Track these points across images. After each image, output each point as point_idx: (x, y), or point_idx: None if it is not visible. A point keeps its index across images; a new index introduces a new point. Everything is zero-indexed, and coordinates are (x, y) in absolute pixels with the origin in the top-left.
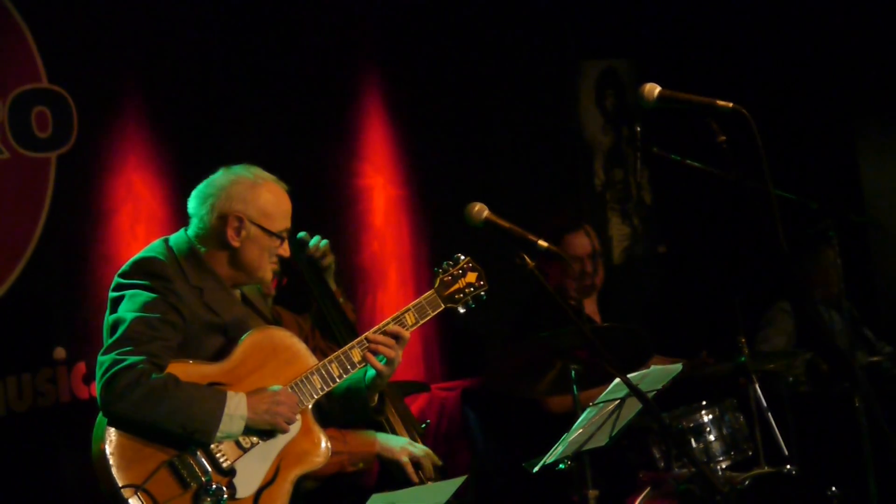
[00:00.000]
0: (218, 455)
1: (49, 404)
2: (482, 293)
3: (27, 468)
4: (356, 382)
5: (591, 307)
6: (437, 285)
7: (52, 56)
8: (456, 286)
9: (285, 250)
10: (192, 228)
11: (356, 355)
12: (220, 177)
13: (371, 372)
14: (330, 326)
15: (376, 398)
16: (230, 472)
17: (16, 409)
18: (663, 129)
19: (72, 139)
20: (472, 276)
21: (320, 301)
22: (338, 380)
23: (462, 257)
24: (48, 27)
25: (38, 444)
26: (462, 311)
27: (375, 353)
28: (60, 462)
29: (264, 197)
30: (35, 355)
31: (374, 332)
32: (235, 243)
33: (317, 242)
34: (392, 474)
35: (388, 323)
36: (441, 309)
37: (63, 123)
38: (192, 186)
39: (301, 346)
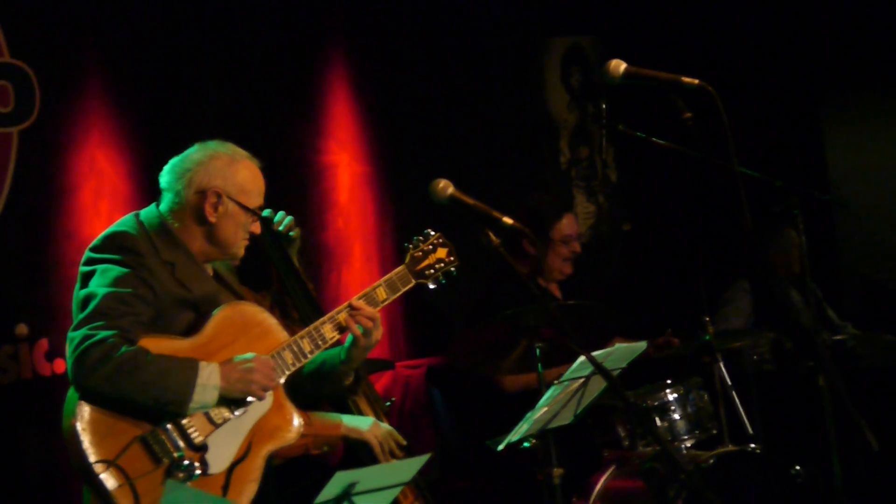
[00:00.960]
0: (190, 430)
1: (11, 381)
2: (452, 269)
3: None
4: (331, 359)
5: (553, 290)
6: (407, 261)
7: (14, 30)
8: (426, 262)
9: (257, 227)
10: (165, 203)
11: (328, 332)
12: (196, 152)
13: (347, 345)
14: (293, 304)
15: (351, 377)
16: (202, 448)
17: None
18: (629, 107)
19: (34, 114)
20: (442, 252)
21: (285, 278)
22: (309, 355)
23: (432, 233)
24: (9, 1)
25: None
26: (432, 286)
27: (358, 323)
28: (22, 439)
29: (242, 173)
30: None
31: (356, 300)
32: (212, 219)
33: (281, 218)
34: (358, 455)
35: (362, 296)
36: (412, 285)
37: (25, 98)
38: (156, 162)
39: (272, 322)
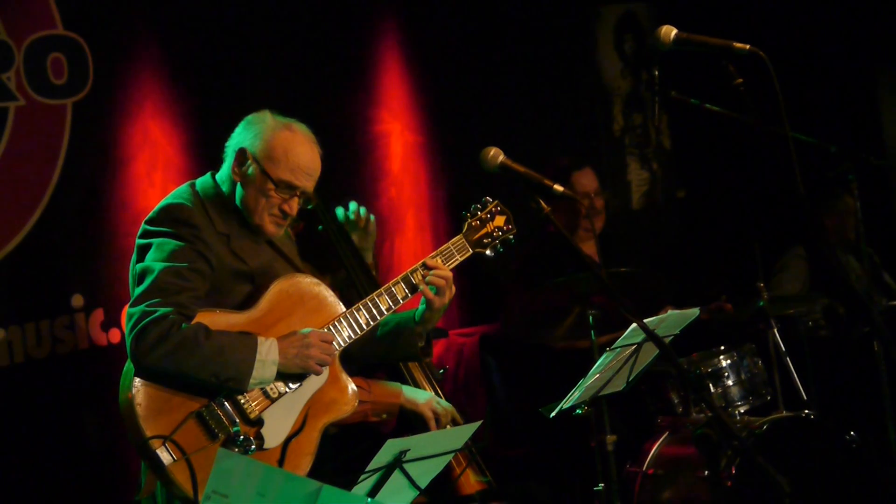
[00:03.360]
0: (245, 405)
1: (67, 351)
2: (511, 237)
3: (47, 415)
4: (406, 321)
5: (590, 250)
6: (465, 230)
7: (67, 2)
8: (484, 230)
9: (291, 207)
10: (222, 169)
11: (384, 303)
12: (254, 116)
13: (422, 307)
14: (355, 289)
15: (424, 339)
16: (258, 423)
17: (35, 356)
18: (682, 73)
19: (87, 86)
20: (500, 220)
21: (349, 269)
22: (365, 327)
23: (490, 200)
24: None
25: (57, 390)
26: (490, 254)
27: (430, 283)
28: (79, 408)
29: (277, 141)
30: (53, 302)
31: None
32: (236, 177)
33: (356, 209)
34: (412, 426)
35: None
36: (469, 254)
37: (78, 70)
38: (209, 132)
39: (328, 294)
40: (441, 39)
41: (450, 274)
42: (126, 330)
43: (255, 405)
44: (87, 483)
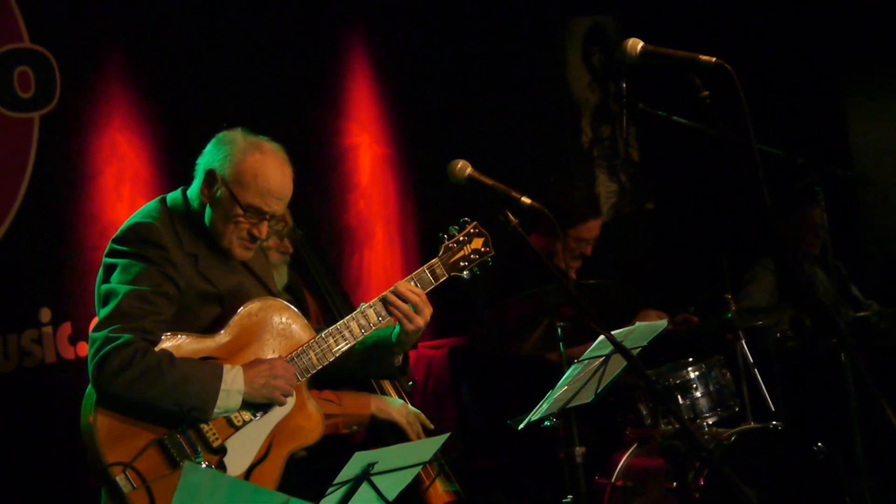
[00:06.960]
0: (208, 433)
1: (35, 365)
2: (489, 259)
3: (14, 429)
4: (384, 340)
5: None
6: (441, 252)
7: (34, 16)
8: (461, 253)
9: (260, 231)
10: (192, 186)
11: (355, 328)
12: (225, 135)
13: (396, 329)
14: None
15: (401, 358)
16: (220, 451)
17: (2, 371)
18: (651, 86)
19: (55, 99)
20: (478, 242)
21: (322, 288)
22: (336, 354)
23: (468, 221)
24: None
25: (24, 404)
26: (467, 276)
27: (396, 313)
28: (47, 422)
29: (247, 164)
30: (20, 316)
31: (392, 291)
32: (204, 199)
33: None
34: (381, 435)
35: (391, 292)
36: (445, 278)
37: (46, 83)
38: (177, 145)
39: (297, 319)
40: (409, 51)
41: (417, 298)
42: (89, 355)
43: (219, 433)
44: (54, 497)
